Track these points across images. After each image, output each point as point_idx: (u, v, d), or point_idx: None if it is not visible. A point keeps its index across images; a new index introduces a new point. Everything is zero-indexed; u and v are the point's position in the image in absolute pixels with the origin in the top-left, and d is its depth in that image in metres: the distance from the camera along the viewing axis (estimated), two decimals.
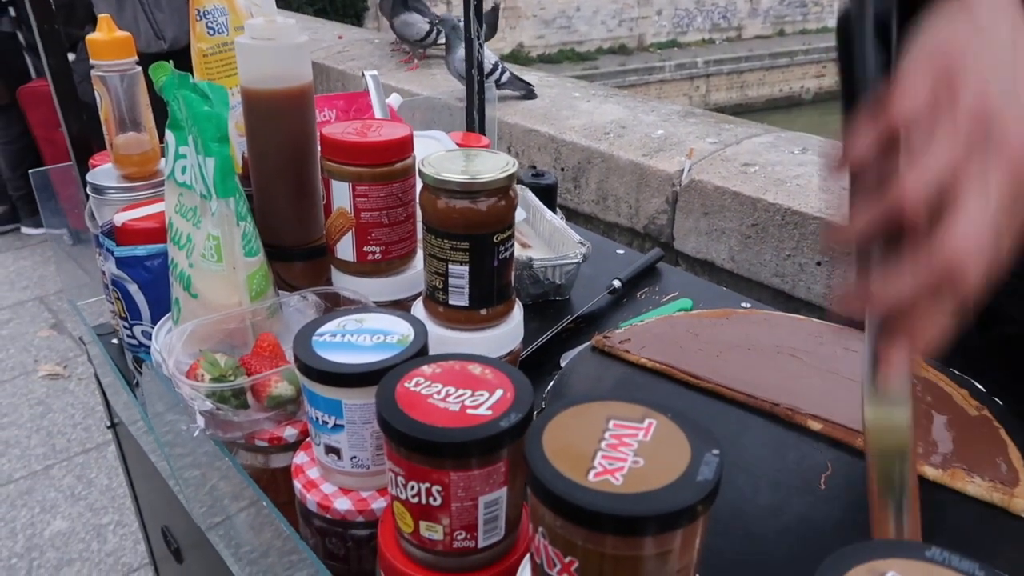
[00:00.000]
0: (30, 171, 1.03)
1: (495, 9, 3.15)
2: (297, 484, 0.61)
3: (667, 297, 1.10)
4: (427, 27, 3.04)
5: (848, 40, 0.49)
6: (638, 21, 12.42)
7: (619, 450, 0.39)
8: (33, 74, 3.53)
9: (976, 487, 0.71)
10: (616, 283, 1.09)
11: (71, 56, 2.44)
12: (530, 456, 0.39)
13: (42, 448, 2.47)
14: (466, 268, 0.70)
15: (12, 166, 3.62)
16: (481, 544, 0.50)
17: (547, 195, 1.32)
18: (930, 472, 0.73)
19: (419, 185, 0.71)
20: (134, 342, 0.86)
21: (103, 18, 0.87)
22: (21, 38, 3.44)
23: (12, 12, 3.36)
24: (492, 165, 0.69)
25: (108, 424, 1.19)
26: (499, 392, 0.49)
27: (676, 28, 12.91)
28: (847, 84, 0.50)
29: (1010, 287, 0.55)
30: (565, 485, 0.37)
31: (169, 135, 0.74)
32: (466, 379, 0.51)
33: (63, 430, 2.55)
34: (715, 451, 0.39)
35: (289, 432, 0.68)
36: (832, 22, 1.01)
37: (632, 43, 12.48)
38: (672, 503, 0.35)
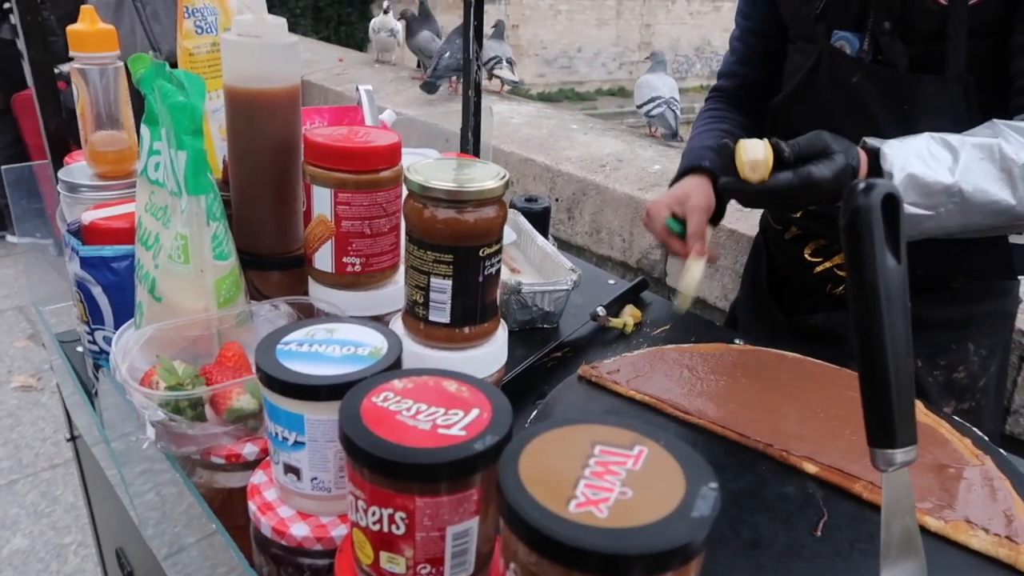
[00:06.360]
0: (2, 167, 0.99)
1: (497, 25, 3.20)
2: (252, 506, 0.56)
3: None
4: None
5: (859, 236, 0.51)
6: (638, 65, 12.57)
7: (605, 479, 0.35)
8: (30, 82, 3.50)
9: (980, 541, 0.67)
10: (600, 310, 1.05)
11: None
12: (504, 481, 0.34)
13: (8, 462, 2.38)
14: (449, 282, 0.65)
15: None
16: None
17: (540, 221, 1.29)
18: (931, 523, 0.69)
19: (404, 193, 0.68)
20: (96, 348, 0.82)
21: (86, 9, 0.84)
22: (20, 46, 3.42)
23: (13, 20, 3.35)
24: (482, 174, 0.65)
25: (68, 436, 1.13)
26: (475, 412, 0.45)
27: (675, 73, 13.07)
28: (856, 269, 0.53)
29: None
30: (542, 515, 0.32)
31: (144, 130, 0.71)
32: (440, 396, 0.46)
33: (31, 444, 2.47)
34: (712, 485, 0.35)
35: (249, 449, 0.63)
36: None
37: (631, 86, 12.62)
38: (664, 541, 0.31)
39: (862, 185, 0.47)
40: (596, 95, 12.84)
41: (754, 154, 0.82)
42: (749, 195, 0.84)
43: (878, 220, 0.47)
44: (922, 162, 0.80)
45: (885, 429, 0.49)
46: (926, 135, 0.83)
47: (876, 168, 0.82)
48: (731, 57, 1.21)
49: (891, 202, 0.47)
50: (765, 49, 1.14)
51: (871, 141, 0.83)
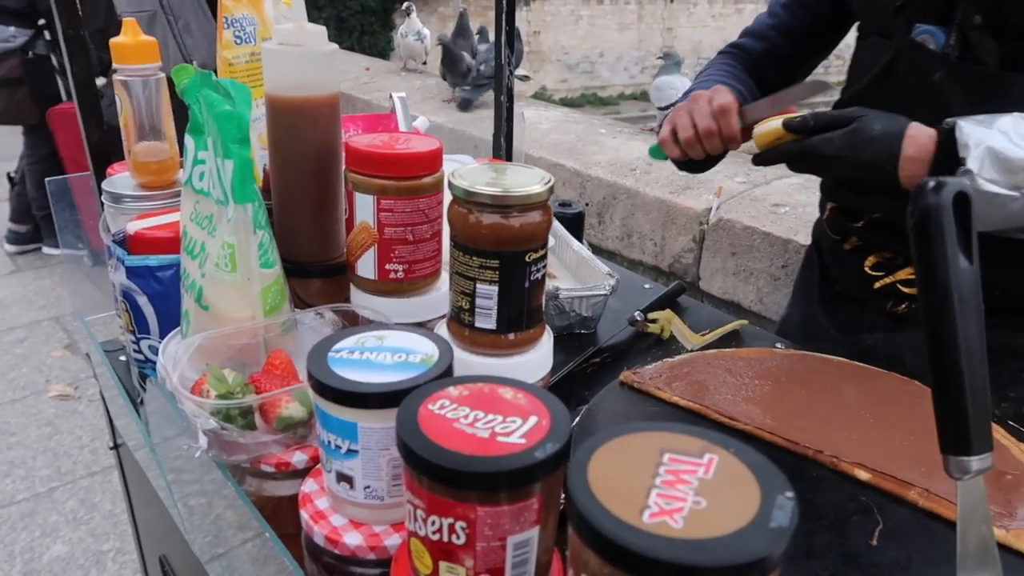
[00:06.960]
0: (46, 179, 1.01)
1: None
2: (304, 514, 0.56)
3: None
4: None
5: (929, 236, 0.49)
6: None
7: (677, 488, 0.34)
8: (64, 97, 3.56)
9: None
10: (638, 315, 1.04)
11: (102, 80, 2.43)
12: (574, 490, 0.33)
13: (47, 470, 2.42)
14: (495, 288, 0.65)
15: (37, 186, 3.64)
16: None
17: (574, 225, 1.28)
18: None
19: (447, 199, 0.67)
20: (141, 357, 0.82)
21: (128, 22, 0.85)
22: (55, 61, 3.48)
23: (47, 36, 3.41)
24: (526, 179, 0.65)
25: (111, 445, 1.14)
26: (533, 419, 0.44)
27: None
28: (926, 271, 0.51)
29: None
30: (616, 526, 0.31)
31: (188, 140, 0.71)
32: (497, 403, 0.46)
33: (70, 452, 2.50)
34: (788, 494, 0.34)
35: (298, 458, 0.63)
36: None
37: None
38: (744, 552, 0.30)
39: (932, 183, 0.46)
40: (619, 99, 12.80)
41: (760, 129, 0.92)
42: (765, 159, 0.92)
43: (949, 219, 0.45)
44: (1006, 138, 0.74)
45: (960, 436, 0.47)
46: (1014, 114, 0.77)
47: (950, 145, 0.77)
48: (768, 20, 1.14)
49: (962, 200, 0.45)
50: (807, 27, 1.09)
51: (948, 120, 0.78)
